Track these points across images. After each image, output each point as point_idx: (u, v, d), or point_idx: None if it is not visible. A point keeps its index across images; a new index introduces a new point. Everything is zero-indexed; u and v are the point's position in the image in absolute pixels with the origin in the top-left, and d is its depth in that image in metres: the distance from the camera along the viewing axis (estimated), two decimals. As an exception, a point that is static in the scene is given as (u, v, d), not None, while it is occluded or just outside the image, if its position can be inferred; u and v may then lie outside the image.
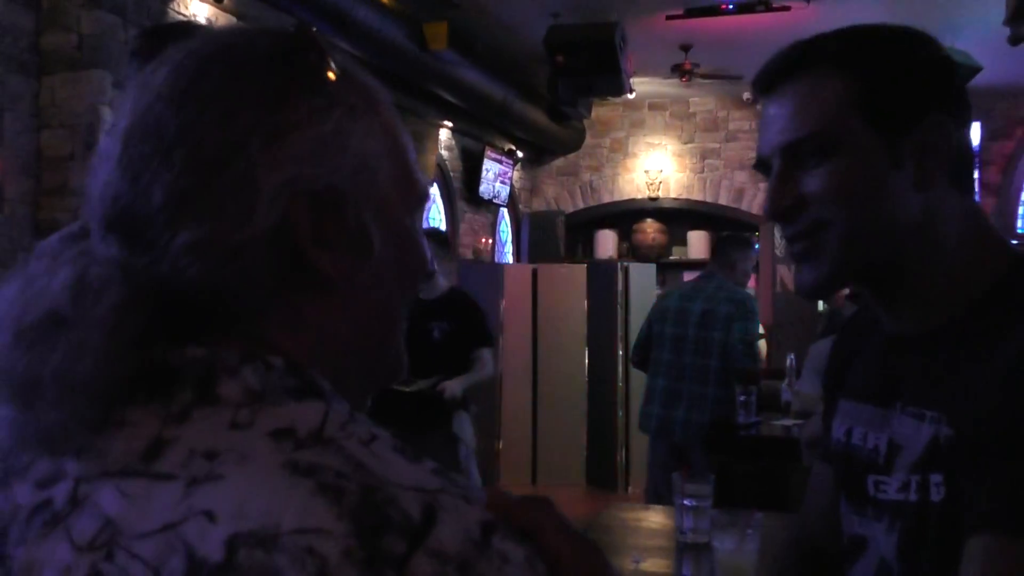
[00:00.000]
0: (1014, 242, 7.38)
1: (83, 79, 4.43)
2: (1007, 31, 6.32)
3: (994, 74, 8.17)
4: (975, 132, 9.99)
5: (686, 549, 2.05)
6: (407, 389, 3.89)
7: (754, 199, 10.40)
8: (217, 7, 5.22)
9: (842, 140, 0.91)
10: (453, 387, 4.18)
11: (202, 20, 5.11)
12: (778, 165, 0.94)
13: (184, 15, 4.98)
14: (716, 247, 4.90)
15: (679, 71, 8.43)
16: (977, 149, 10.00)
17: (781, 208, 0.94)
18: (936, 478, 0.88)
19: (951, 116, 0.92)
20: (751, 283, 5.57)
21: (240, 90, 0.61)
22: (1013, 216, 10.06)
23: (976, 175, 1.00)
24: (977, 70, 7.56)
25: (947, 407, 0.89)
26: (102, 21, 4.45)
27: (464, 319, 4.28)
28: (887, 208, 0.90)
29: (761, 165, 0.99)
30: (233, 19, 5.35)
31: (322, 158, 0.62)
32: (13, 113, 4.35)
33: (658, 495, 4.24)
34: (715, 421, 4.50)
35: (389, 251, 0.66)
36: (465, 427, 4.49)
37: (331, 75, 0.64)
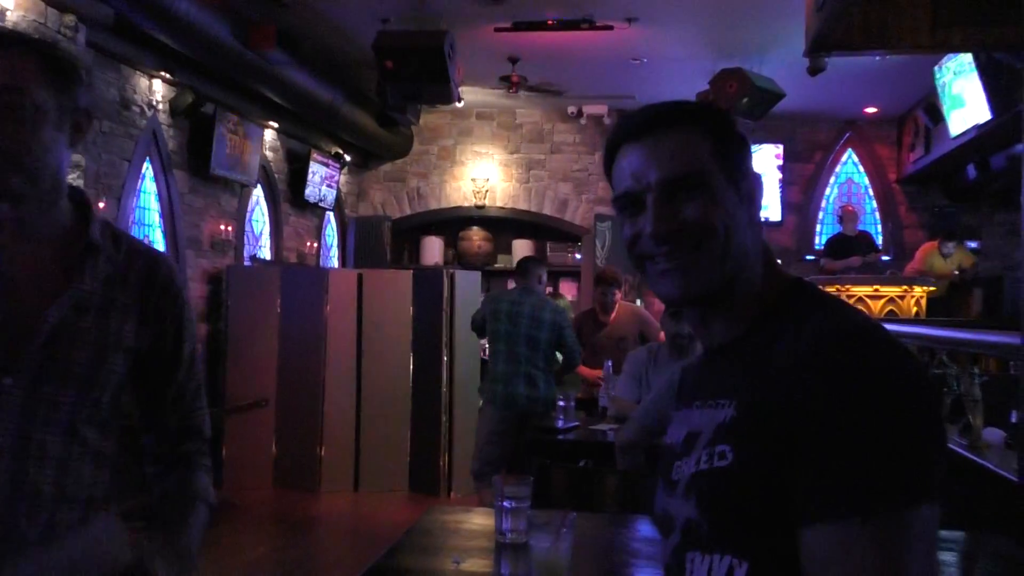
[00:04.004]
0: (810, 257, 8.00)
1: None
2: (807, 62, 6.78)
3: (796, 101, 8.75)
4: (779, 154, 10.67)
5: (504, 549, 2.09)
6: None
7: (577, 210, 10.70)
8: (25, -10, 4.91)
9: (708, 181, 1.15)
10: None
11: (5, 4, 4.80)
12: (655, 197, 1.15)
13: (-13, -4, 4.67)
14: (521, 267, 5.93)
15: (506, 82, 8.58)
16: (780, 169, 10.67)
17: (664, 230, 1.14)
18: (722, 448, 1.08)
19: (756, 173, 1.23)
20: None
21: None
22: (812, 233, 10.79)
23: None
24: (780, 96, 8.07)
25: (733, 396, 1.11)
26: None
27: None
28: (739, 236, 1.15)
29: (625, 198, 1.19)
30: (41, 4, 5.06)
31: None
32: None
33: (489, 462, 5.49)
34: (535, 426, 4.74)
35: None
36: None
37: None
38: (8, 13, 4.85)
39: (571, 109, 10.38)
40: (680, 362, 4.18)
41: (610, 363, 5.21)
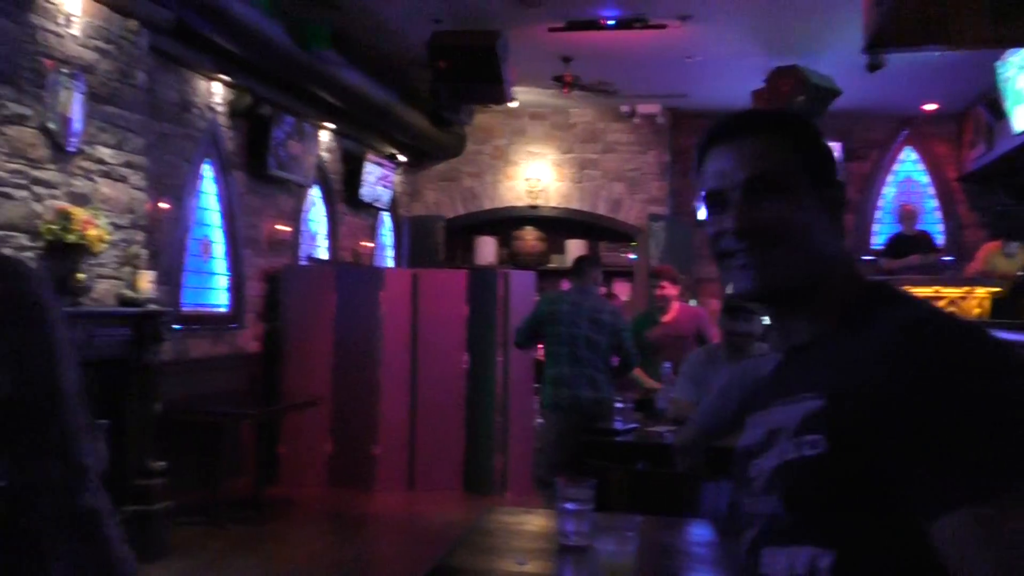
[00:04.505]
0: (868, 258, 7.90)
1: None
2: (865, 58, 6.67)
3: (852, 98, 8.61)
4: (839, 152, 10.51)
5: (568, 552, 2.09)
6: None
7: (630, 209, 10.65)
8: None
9: (790, 183, 1.21)
10: None
11: (70, 8, 4.91)
12: (739, 194, 1.21)
13: (52, 5, 4.78)
14: (577, 267, 5.78)
15: (559, 82, 8.56)
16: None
17: (745, 227, 1.20)
18: (813, 438, 1.08)
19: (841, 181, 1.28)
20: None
21: None
22: (868, 233, 10.62)
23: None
24: (837, 93, 7.95)
25: (820, 389, 1.11)
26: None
27: None
28: (818, 239, 1.20)
29: (711, 196, 1.25)
30: (106, 9, 5.16)
31: None
32: None
33: (554, 468, 5.13)
34: (593, 428, 4.70)
35: None
36: None
37: None
38: (75, 19, 4.95)
39: (624, 108, 10.33)
40: (738, 362, 4.13)
41: (668, 364, 5.18)
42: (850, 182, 10.55)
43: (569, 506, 2.10)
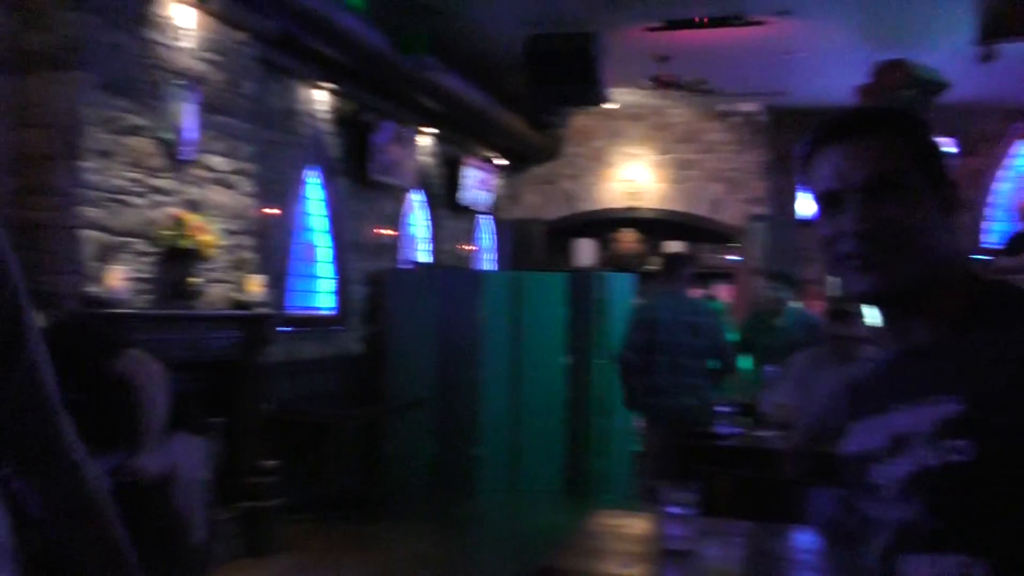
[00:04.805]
0: (983, 256, 7.57)
1: (65, 80, 4.42)
2: (977, 49, 6.42)
3: (964, 91, 8.30)
4: (950, 148, 10.15)
5: (671, 556, 2.08)
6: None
7: (730, 210, 10.49)
8: (201, 8, 5.21)
9: (908, 182, 1.19)
10: (147, 464, 3.27)
11: (183, 23, 5.10)
12: (858, 196, 1.19)
13: (167, 19, 4.98)
14: (668, 265, 5.59)
15: (656, 82, 8.49)
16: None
17: (865, 228, 1.18)
18: (958, 443, 1.06)
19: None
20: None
21: None
22: (979, 230, 10.21)
23: None
24: (946, 86, 7.67)
25: (954, 391, 1.09)
26: (84, 22, 4.44)
27: (73, 352, 3.26)
28: (936, 238, 1.19)
29: (826, 197, 1.23)
30: (216, 22, 5.35)
31: None
32: (-4, 113, 4.33)
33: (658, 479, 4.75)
34: (696, 433, 4.65)
35: None
36: (181, 453, 3.46)
37: None
38: (188, 33, 5.15)
39: (723, 107, 10.18)
40: (843, 365, 4.04)
41: (771, 368, 5.09)
42: (961, 178, 10.17)
43: (673, 510, 2.09)
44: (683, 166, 10.67)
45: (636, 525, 2.46)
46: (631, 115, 10.64)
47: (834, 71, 8.23)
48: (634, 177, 10.74)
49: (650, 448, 5.48)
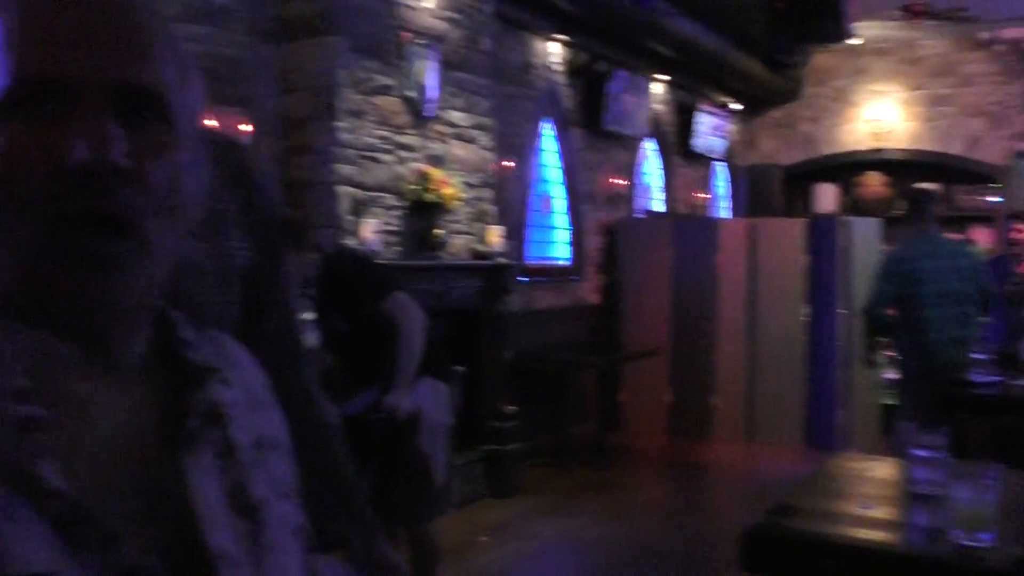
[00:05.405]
0: None
1: (322, 45, 4.74)
2: None
3: None
4: None
5: (919, 499, 2.01)
6: (346, 414, 3.12)
7: (991, 147, 9.69)
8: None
9: None
10: (401, 403, 3.40)
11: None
12: None
13: (410, -19, 5.21)
14: (914, 202, 5.01)
15: (908, 12, 7.95)
16: None
17: None
18: None
19: None
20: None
21: None
22: None
23: None
24: None
25: None
26: (339, -10, 4.73)
27: (344, 290, 3.44)
28: None
29: None
30: (455, -18, 5.53)
31: None
32: (262, 79, 4.72)
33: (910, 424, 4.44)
34: (952, 380, 4.35)
35: None
36: (428, 396, 3.57)
37: None
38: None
39: (984, 35, 9.38)
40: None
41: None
42: None
43: (920, 453, 2.02)
44: (936, 102, 9.95)
45: (879, 469, 2.39)
46: (877, 50, 10.03)
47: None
48: (880, 116, 10.15)
49: (914, 412, 5.04)
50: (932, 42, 9.80)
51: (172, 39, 0.68)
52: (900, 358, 5.05)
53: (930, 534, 1.87)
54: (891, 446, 5.20)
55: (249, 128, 4.48)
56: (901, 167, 10.19)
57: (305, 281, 3.36)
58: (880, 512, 1.99)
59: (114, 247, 0.62)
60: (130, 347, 0.67)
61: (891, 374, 5.93)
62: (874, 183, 10.38)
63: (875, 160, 10.27)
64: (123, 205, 0.62)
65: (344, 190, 4.75)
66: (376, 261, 3.97)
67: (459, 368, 3.85)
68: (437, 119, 5.41)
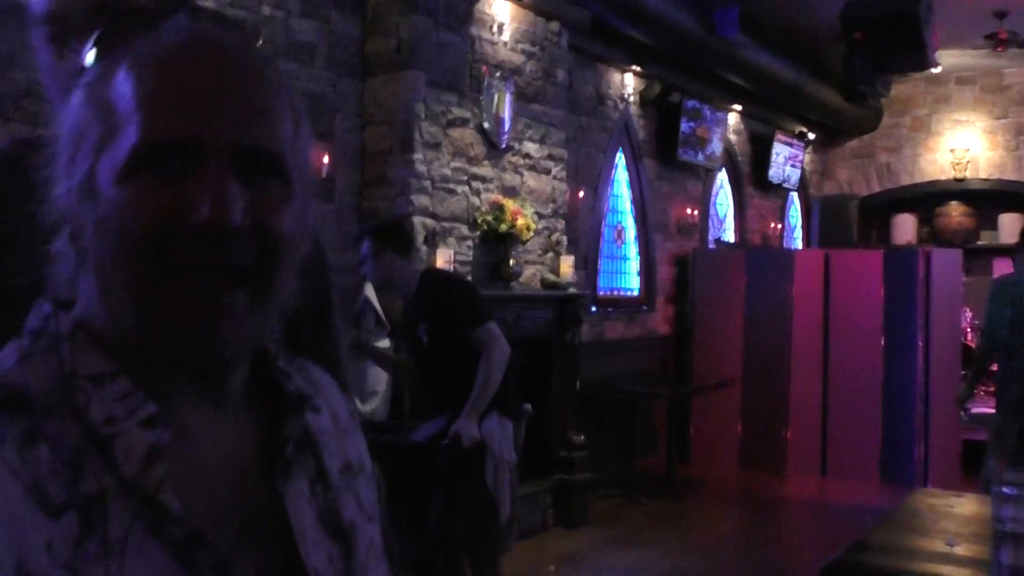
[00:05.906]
0: None
1: (400, 79, 4.85)
2: None
3: None
4: None
5: (1005, 538, 1.97)
6: (413, 441, 3.40)
7: (1078, 179, 9.41)
8: (517, 2, 5.49)
9: None
10: (467, 431, 3.44)
11: (501, 17, 5.40)
12: None
13: (487, 15, 5.30)
14: None
15: (992, 40, 7.79)
16: None
17: None
18: None
19: None
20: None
21: None
22: None
23: None
24: None
25: None
26: (417, 25, 4.84)
27: (439, 306, 3.58)
28: None
29: None
30: (531, 15, 5.62)
31: None
32: (342, 113, 4.84)
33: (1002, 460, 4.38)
34: None
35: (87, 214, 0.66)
36: (494, 432, 3.60)
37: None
38: (505, 26, 5.45)
39: (1071, 64, 9.15)
40: None
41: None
42: None
43: (1007, 490, 1.98)
44: (1021, 131, 9.72)
45: (963, 505, 2.34)
46: (959, 79, 9.85)
47: None
48: (962, 146, 9.94)
49: (1004, 437, 4.87)
50: (1018, 70, 9.59)
51: (287, 92, 0.71)
52: (999, 388, 4.87)
53: (1015, 573, 1.83)
54: (980, 482, 5.00)
55: (329, 161, 4.60)
56: (984, 197, 9.95)
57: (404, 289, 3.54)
58: (964, 550, 1.95)
59: (229, 296, 0.65)
60: (235, 380, 0.71)
61: (982, 407, 5.76)
62: (956, 213, 10.15)
63: (956, 190, 10.05)
64: (240, 256, 0.65)
65: (420, 220, 4.83)
66: (476, 288, 4.03)
67: (528, 407, 3.86)
68: (511, 150, 5.47)
